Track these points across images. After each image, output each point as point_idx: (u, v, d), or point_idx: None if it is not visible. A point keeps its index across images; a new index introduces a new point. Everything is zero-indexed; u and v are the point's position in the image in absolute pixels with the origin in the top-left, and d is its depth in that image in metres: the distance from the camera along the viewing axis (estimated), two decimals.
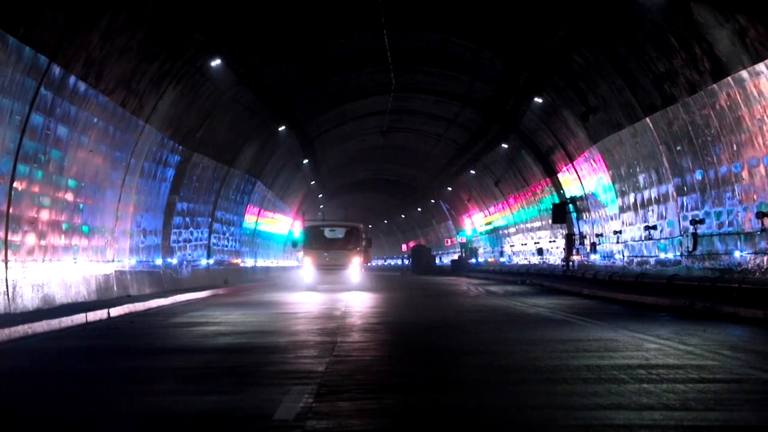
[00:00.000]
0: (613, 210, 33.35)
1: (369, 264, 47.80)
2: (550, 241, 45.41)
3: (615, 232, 33.15)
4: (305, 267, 36.68)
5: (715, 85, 21.49)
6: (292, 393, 9.00)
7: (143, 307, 22.65)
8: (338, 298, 28.02)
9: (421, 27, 32.62)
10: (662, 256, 28.25)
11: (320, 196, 67.24)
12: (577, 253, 39.28)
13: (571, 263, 39.47)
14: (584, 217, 38.08)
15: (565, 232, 41.20)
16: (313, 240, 37.23)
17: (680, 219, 26.22)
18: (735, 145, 21.73)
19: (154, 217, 30.14)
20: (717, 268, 23.58)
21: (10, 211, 18.38)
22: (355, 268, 36.11)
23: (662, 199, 27.83)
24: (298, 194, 63.02)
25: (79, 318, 17.92)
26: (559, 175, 39.65)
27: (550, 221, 42.44)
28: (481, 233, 64.44)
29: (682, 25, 21.27)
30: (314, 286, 35.41)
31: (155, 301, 24.13)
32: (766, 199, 20.64)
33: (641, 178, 29.45)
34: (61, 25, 18.35)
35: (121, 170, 25.71)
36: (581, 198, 37.74)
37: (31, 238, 19.65)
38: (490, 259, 62.10)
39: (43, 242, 20.32)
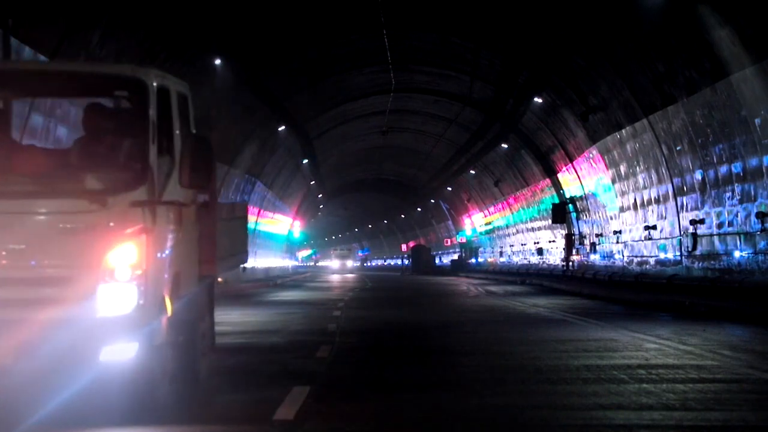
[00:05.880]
0: (612, 210, 33.34)
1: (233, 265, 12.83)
2: (549, 241, 45.40)
3: (615, 232, 33.14)
4: None
5: (715, 85, 21.48)
6: None
7: None
8: None
9: (421, 27, 32.61)
10: (662, 256, 28.24)
11: (320, 196, 67.19)
12: (577, 253, 39.27)
13: (570, 263, 39.47)
14: (584, 217, 38.07)
15: (564, 232, 41.20)
16: None
17: (680, 219, 26.22)
18: (735, 145, 21.72)
19: None
20: (717, 268, 23.58)
21: None
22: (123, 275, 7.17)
23: (662, 199, 27.82)
24: (298, 194, 63.01)
25: None
26: (559, 175, 39.65)
27: (549, 221, 42.43)
28: (480, 233, 64.42)
29: (681, 26, 21.27)
30: None
31: None
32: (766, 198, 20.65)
33: (641, 178, 29.44)
34: (61, 25, 18.35)
35: None
36: (581, 198, 37.73)
37: None
38: (489, 259, 62.10)
39: None
